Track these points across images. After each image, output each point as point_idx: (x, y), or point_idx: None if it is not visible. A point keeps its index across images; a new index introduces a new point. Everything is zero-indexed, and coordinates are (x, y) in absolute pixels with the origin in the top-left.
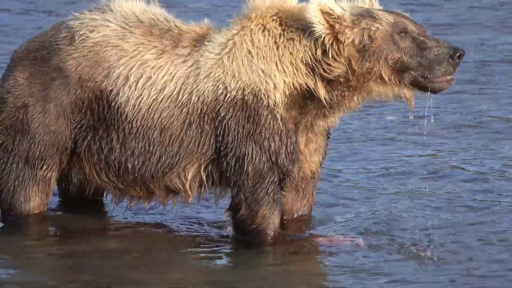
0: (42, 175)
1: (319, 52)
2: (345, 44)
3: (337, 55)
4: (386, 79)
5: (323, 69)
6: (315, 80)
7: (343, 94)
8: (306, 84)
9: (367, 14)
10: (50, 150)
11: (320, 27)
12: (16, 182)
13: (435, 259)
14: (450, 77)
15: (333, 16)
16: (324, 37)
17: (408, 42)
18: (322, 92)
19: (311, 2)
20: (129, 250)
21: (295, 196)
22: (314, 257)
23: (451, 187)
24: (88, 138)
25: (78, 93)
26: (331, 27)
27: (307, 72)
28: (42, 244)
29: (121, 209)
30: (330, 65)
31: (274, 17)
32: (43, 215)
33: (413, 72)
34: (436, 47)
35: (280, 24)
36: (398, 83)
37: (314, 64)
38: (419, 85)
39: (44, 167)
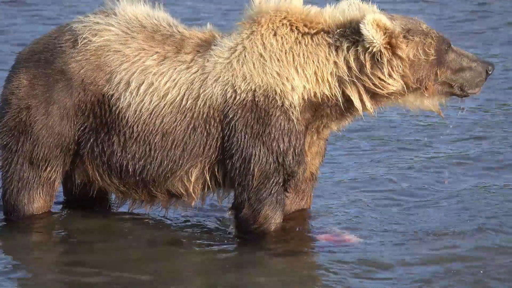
0: (47, 177)
1: (368, 65)
2: (404, 59)
3: (392, 70)
4: (430, 91)
5: (374, 84)
6: (360, 94)
7: (377, 103)
8: (335, 95)
9: (414, 28)
10: (54, 152)
11: (378, 42)
12: (20, 184)
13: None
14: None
15: (389, 31)
16: (382, 52)
17: (453, 57)
18: (368, 106)
19: (365, 15)
20: (132, 251)
21: (294, 197)
22: (316, 256)
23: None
24: (91, 140)
25: (81, 96)
26: (388, 42)
27: (336, 85)
28: (46, 245)
29: (124, 209)
30: (384, 81)
31: (284, 21)
32: (46, 217)
33: (453, 84)
34: (474, 62)
35: (292, 30)
36: (437, 93)
37: (357, 78)
38: (452, 94)
39: (48, 168)
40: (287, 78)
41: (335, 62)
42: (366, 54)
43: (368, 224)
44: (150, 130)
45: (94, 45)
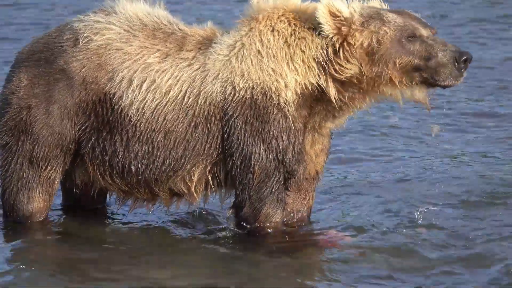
0: (46, 176)
1: (330, 51)
2: (355, 46)
3: (349, 56)
4: (396, 82)
5: (335, 69)
6: (326, 79)
7: (354, 96)
8: (317, 83)
9: (377, 16)
10: (54, 151)
11: (327, 27)
12: (19, 183)
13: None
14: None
15: (340, 18)
16: (332, 38)
17: (417, 46)
18: (332, 92)
19: (321, 1)
20: (132, 252)
21: (296, 196)
22: (315, 256)
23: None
24: (92, 140)
25: (82, 95)
26: (339, 28)
27: (318, 71)
28: (45, 245)
29: (124, 209)
30: (342, 66)
31: (282, 18)
32: (46, 216)
33: (423, 74)
34: (442, 51)
35: (289, 25)
36: (409, 83)
37: (326, 63)
38: (429, 84)
39: (48, 168)
40: (280, 75)
41: (316, 46)
42: (327, 39)
43: (364, 226)
44: (152, 128)
45: (96, 43)
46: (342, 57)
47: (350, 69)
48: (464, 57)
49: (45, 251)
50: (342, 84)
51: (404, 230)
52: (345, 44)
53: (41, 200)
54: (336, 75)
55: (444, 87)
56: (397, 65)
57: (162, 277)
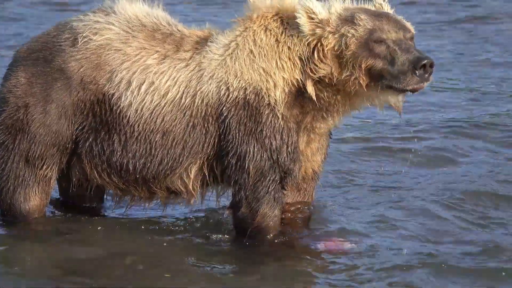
0: (42, 175)
1: (308, 50)
2: (327, 48)
3: (323, 57)
4: (364, 85)
5: (310, 68)
6: (306, 77)
7: (335, 97)
8: (301, 79)
9: (350, 19)
10: (50, 150)
11: (304, 29)
12: (16, 182)
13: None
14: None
15: (315, 20)
16: (308, 38)
17: (383, 50)
18: (310, 89)
19: (301, 3)
20: (129, 251)
21: (296, 196)
22: (313, 258)
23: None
24: (90, 139)
25: (80, 95)
26: (314, 30)
27: (301, 66)
28: (42, 244)
29: (121, 209)
30: (316, 66)
31: (275, 17)
32: (42, 215)
33: (385, 81)
34: (401, 57)
35: (282, 24)
36: (377, 87)
37: (305, 60)
38: (395, 90)
39: (44, 167)
40: (270, 74)
41: (300, 43)
42: (305, 39)
43: (363, 229)
44: (151, 129)
45: (95, 43)
46: (316, 57)
47: (323, 69)
48: (422, 63)
49: (42, 249)
50: (320, 83)
51: (405, 239)
52: (318, 45)
53: (37, 198)
54: (311, 73)
55: (411, 91)
56: (363, 68)
57: (160, 277)
